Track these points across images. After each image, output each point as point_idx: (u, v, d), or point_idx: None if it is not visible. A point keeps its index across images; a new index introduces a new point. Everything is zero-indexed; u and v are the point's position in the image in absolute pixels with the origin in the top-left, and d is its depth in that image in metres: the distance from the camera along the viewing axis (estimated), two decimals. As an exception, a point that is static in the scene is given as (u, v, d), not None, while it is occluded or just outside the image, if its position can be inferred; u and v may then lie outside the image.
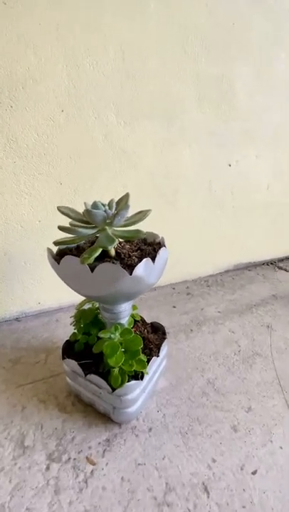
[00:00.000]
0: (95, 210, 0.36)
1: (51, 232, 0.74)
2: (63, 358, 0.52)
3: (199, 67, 0.75)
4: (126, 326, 0.50)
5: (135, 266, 0.41)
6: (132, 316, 0.59)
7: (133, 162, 0.77)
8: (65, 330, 0.76)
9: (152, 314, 0.84)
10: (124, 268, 0.39)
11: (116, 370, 0.44)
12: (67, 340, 0.55)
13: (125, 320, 0.51)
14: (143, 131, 0.74)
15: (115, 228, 0.39)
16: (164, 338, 0.57)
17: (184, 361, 0.66)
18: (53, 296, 0.82)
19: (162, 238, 0.50)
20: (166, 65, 0.71)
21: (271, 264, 1.22)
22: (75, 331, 0.55)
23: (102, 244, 0.35)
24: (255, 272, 1.13)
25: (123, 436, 0.49)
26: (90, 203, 0.40)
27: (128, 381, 0.45)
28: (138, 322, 0.61)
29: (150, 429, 0.50)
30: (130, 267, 0.40)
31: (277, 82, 0.87)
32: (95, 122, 0.68)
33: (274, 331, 0.77)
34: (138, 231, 0.38)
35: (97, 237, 0.43)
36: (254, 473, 0.43)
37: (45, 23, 0.57)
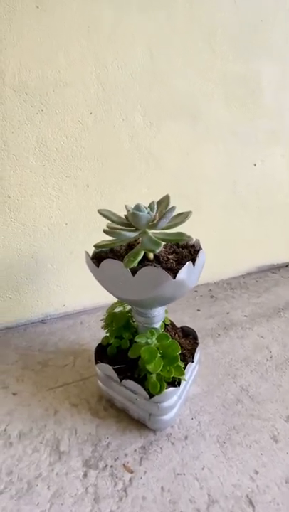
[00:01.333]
0: (139, 213, 0.35)
1: (78, 235, 0.74)
2: (96, 362, 0.51)
3: (227, 65, 0.73)
4: (160, 330, 0.49)
5: (175, 269, 0.40)
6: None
7: (158, 163, 0.76)
8: (90, 332, 0.76)
9: (176, 318, 0.82)
10: (169, 272, 0.38)
11: (154, 376, 0.43)
12: (99, 344, 0.55)
13: (159, 324, 0.50)
14: (169, 132, 0.73)
15: (156, 231, 0.38)
16: (197, 343, 0.56)
17: (214, 367, 0.64)
18: (77, 299, 0.82)
19: (197, 240, 0.48)
20: (193, 64, 0.70)
21: (295, 266, 1.19)
22: (107, 334, 0.54)
23: (149, 248, 0.34)
24: (280, 275, 1.10)
25: (159, 443, 0.48)
26: (132, 205, 0.39)
27: (166, 388, 0.44)
28: (168, 326, 0.59)
29: (186, 437, 0.49)
30: (171, 270, 0.39)
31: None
32: (122, 124, 0.68)
33: (305, 335, 0.74)
34: (181, 234, 0.37)
35: (136, 240, 0.43)
36: (300, 487, 0.41)
37: (76, 25, 0.57)
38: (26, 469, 0.44)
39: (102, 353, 0.53)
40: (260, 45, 0.75)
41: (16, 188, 0.64)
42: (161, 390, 0.43)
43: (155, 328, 0.48)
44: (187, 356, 0.53)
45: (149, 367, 0.42)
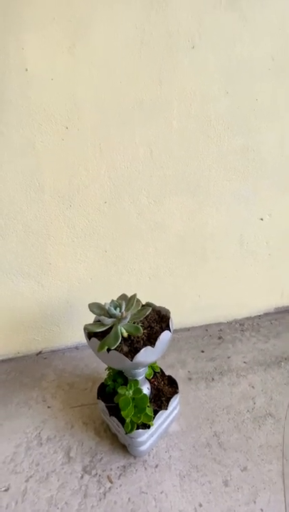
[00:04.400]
0: (106, 318, 0.53)
1: (100, 287, 0.96)
2: (98, 397, 0.72)
3: (222, 144, 0.83)
4: (140, 382, 0.66)
5: (140, 349, 0.56)
6: (153, 367, 0.74)
7: (163, 229, 0.91)
8: (109, 363, 0.97)
9: (181, 357, 0.96)
10: (129, 353, 0.55)
11: (128, 420, 0.61)
12: (102, 383, 0.75)
13: (141, 377, 0.67)
14: (171, 205, 0.88)
15: (123, 325, 0.55)
16: (176, 393, 0.70)
17: (198, 410, 0.77)
18: (102, 333, 1.04)
19: (169, 317, 0.63)
20: (189, 151, 0.82)
21: None
22: (107, 376, 0.74)
23: (108, 343, 0.52)
24: (298, 318, 1.11)
25: (136, 466, 0.65)
26: (109, 302, 0.57)
27: (137, 429, 0.61)
28: (157, 373, 0.75)
29: (156, 466, 0.65)
30: (136, 351, 0.56)
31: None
32: (131, 205, 0.86)
33: (296, 392, 0.79)
34: (137, 329, 0.54)
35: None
36: (231, 527, 0.53)
37: (91, 145, 0.77)
38: (47, 464, 0.67)
39: (102, 390, 0.73)
40: (257, 120, 0.82)
41: (54, 257, 0.89)
42: (131, 430, 0.60)
43: (136, 381, 0.65)
44: (164, 404, 0.68)
45: (123, 413, 0.60)
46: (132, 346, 0.58)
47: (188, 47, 0.72)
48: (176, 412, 0.72)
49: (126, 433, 0.62)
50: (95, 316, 0.64)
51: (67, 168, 0.79)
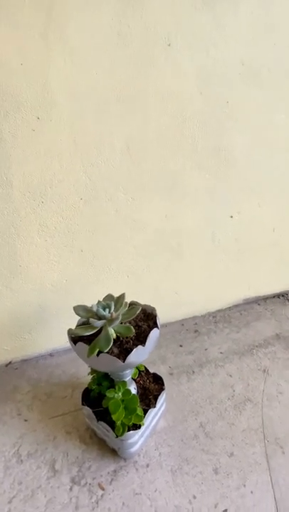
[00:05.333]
0: (95, 320, 0.50)
1: (76, 288, 0.91)
2: (82, 404, 0.68)
3: (197, 143, 0.85)
4: (128, 383, 0.65)
5: (130, 349, 0.55)
6: (137, 366, 0.73)
7: (141, 227, 0.90)
8: (86, 366, 0.93)
9: (161, 353, 0.97)
10: (120, 354, 0.53)
11: (118, 423, 0.59)
12: (86, 388, 0.72)
13: (128, 378, 0.65)
14: (148, 202, 0.87)
15: (114, 326, 0.53)
16: (163, 389, 0.71)
17: (182, 404, 0.78)
18: (79, 336, 1.00)
19: (155, 315, 0.63)
20: (166, 148, 0.83)
21: (282, 296, 1.27)
22: (91, 380, 0.71)
23: (100, 346, 0.50)
24: (264, 307, 1.20)
25: (126, 469, 0.64)
26: (96, 303, 0.54)
27: (128, 431, 0.59)
28: (142, 372, 0.75)
29: (148, 465, 0.64)
30: (126, 351, 0.55)
31: (276, 137, 0.93)
32: (108, 202, 0.83)
33: (269, 376, 0.86)
34: (129, 329, 0.52)
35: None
36: (225, 511, 0.55)
37: (66, 138, 0.73)
38: (31, 481, 0.62)
39: (87, 395, 0.70)
40: (229, 122, 0.86)
41: (25, 259, 0.82)
42: (123, 433, 0.59)
43: (123, 382, 0.64)
44: (152, 402, 0.68)
45: (114, 417, 0.58)
46: (121, 347, 0.56)
47: (165, 44, 0.72)
48: (162, 408, 0.72)
49: (117, 436, 0.60)
50: (78, 319, 0.61)
51: (38, 161, 0.73)
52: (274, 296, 1.27)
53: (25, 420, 0.76)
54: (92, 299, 0.95)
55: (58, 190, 0.77)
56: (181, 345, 1.01)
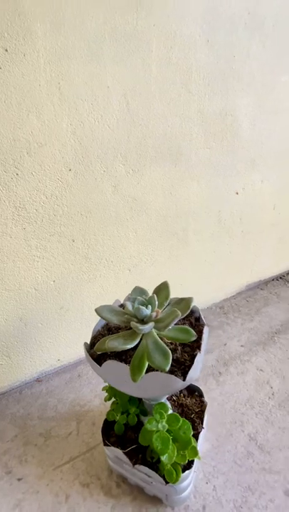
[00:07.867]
0: (138, 325, 0.33)
1: (67, 289, 0.71)
2: (105, 444, 0.50)
3: (203, 103, 0.72)
4: (168, 405, 0.48)
5: (182, 362, 0.39)
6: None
7: (143, 207, 0.74)
8: (90, 387, 0.73)
9: (176, 357, 0.82)
10: (177, 371, 0.37)
11: (169, 464, 0.42)
12: (105, 420, 0.53)
13: (164, 398, 0.49)
14: (151, 176, 0.72)
15: (162, 332, 0.37)
16: (204, 403, 0.56)
17: (220, 414, 0.64)
18: (72, 351, 0.79)
19: (197, 308, 0.48)
20: (170, 107, 0.68)
21: (280, 278, 1.22)
22: (112, 409, 0.52)
23: (156, 363, 0.32)
24: (268, 291, 1.13)
25: (178, 520, 0.47)
26: (129, 302, 0.37)
27: (182, 472, 0.43)
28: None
29: (204, 507, 0.48)
30: (178, 365, 0.38)
31: (279, 106, 0.85)
32: (104, 176, 0.65)
33: (301, 363, 0.77)
34: (189, 332, 0.36)
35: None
36: None
37: (45, 83, 0.53)
38: None
39: (108, 430, 0.52)
40: (235, 80, 0.75)
41: (-3, 256, 0.60)
42: (178, 478, 0.42)
43: (162, 405, 0.47)
44: (196, 422, 0.52)
45: (164, 458, 0.41)
46: (174, 362, 0.39)
47: None
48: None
49: (167, 483, 0.43)
50: (93, 328, 0.43)
51: (8, 114, 0.52)
52: (274, 279, 1.21)
53: (19, 479, 0.54)
54: (89, 304, 0.76)
55: (38, 158, 0.57)
56: (196, 344, 0.87)
